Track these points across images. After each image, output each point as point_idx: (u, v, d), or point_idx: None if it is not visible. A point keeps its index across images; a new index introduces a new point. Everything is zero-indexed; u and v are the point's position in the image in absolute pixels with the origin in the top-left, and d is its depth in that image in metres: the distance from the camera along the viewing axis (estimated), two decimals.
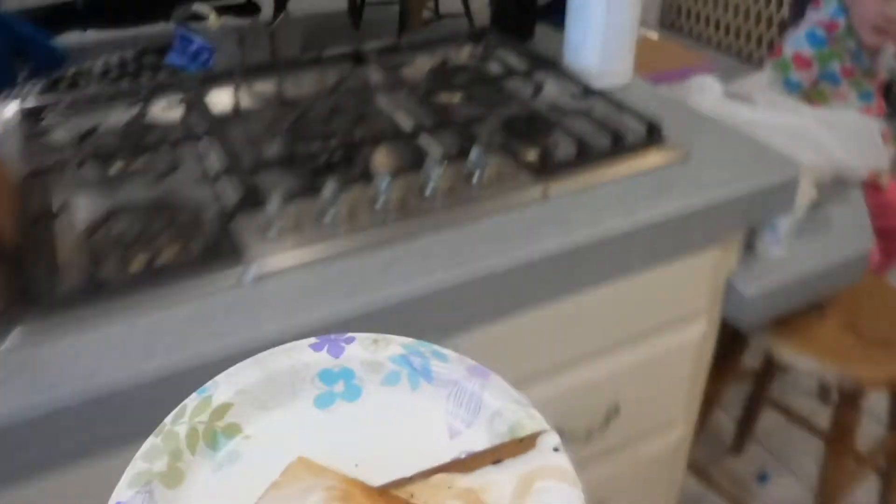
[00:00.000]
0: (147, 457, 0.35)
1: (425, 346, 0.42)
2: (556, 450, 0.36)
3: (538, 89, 1.04)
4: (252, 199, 0.78)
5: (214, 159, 0.87)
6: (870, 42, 1.47)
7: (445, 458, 0.37)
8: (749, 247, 1.00)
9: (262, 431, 0.38)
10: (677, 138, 0.94)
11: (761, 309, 1.03)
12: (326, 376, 0.41)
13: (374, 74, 1.10)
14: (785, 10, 3.05)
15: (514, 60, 1.14)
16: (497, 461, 0.36)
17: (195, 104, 0.99)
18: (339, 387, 0.41)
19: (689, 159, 0.91)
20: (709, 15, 3.39)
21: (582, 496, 0.34)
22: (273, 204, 0.77)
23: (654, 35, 1.64)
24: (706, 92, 1.25)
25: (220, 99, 1.01)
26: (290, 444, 0.37)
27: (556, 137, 0.93)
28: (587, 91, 1.01)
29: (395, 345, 0.42)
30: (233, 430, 0.38)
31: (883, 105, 1.62)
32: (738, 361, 1.42)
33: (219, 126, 0.92)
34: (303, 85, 1.06)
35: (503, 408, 0.39)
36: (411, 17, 3.11)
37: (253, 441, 0.38)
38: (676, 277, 0.91)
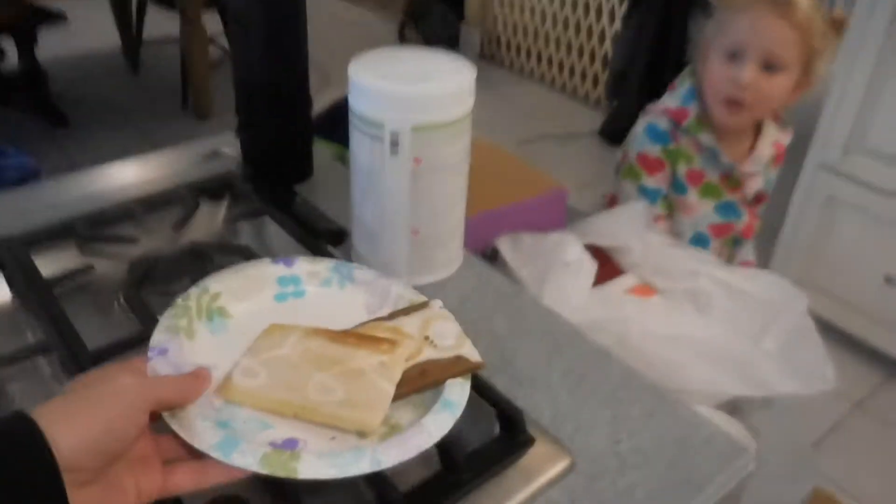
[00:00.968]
0: (172, 317, 0.58)
1: (348, 264, 0.68)
2: (441, 307, 0.63)
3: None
4: None
5: None
6: (725, 122, 1.15)
7: None
8: None
9: (240, 314, 0.61)
10: (551, 420, 0.64)
11: None
12: (282, 280, 0.65)
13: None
14: (607, 46, 3.04)
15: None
16: (406, 314, 0.62)
17: None
18: (291, 288, 0.65)
19: (575, 469, 0.60)
20: (529, 48, 3.42)
21: (459, 327, 0.61)
22: None
23: (484, 140, 0.95)
24: (571, 277, 0.91)
25: None
26: (259, 323, 0.59)
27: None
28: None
29: (328, 261, 0.68)
30: (222, 312, 0.61)
31: (754, 225, 1.29)
32: None
33: None
34: None
35: (404, 293, 0.65)
36: (195, 61, 2.74)
37: (235, 320, 0.61)
38: None
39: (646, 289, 1.02)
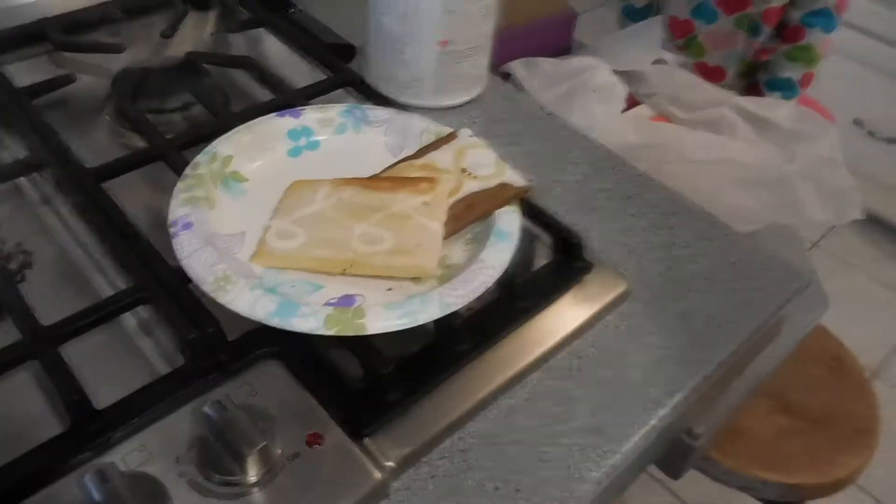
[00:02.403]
0: (187, 188, 0.51)
1: (360, 106, 0.61)
2: (471, 136, 0.58)
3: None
4: None
5: None
6: None
7: None
8: None
9: (256, 175, 0.55)
10: (601, 245, 0.59)
11: None
12: (293, 134, 0.58)
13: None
14: None
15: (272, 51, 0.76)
16: (436, 149, 0.56)
17: None
18: (303, 141, 0.58)
19: (631, 294, 0.56)
20: None
21: (494, 154, 0.57)
22: None
23: None
24: (601, 102, 0.84)
25: None
26: (277, 182, 0.54)
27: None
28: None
29: (337, 106, 0.60)
30: (237, 177, 0.54)
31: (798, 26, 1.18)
32: None
33: None
34: None
35: (428, 126, 0.59)
36: None
37: (252, 182, 0.55)
38: None
39: (663, 119, 0.97)
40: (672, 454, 0.67)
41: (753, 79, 1.26)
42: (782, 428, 0.93)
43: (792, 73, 1.18)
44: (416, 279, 0.49)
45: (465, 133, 0.58)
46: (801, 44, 1.17)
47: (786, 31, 1.21)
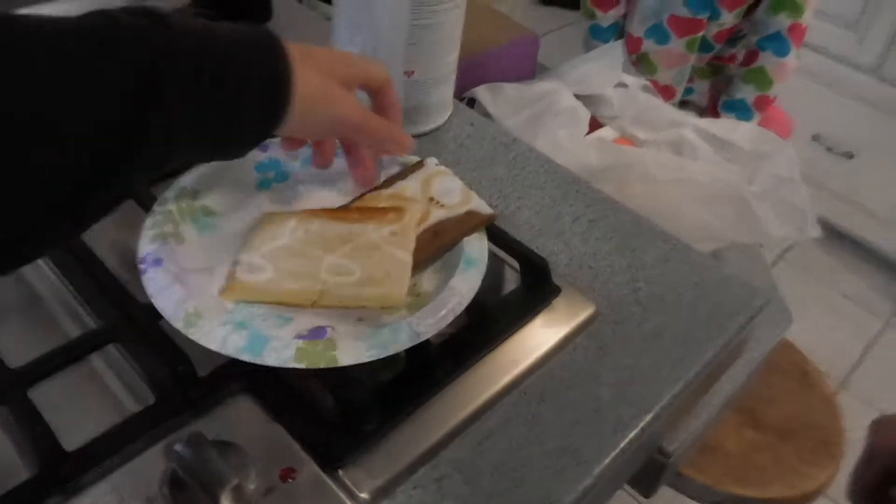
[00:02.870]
0: (155, 225, 0.50)
1: None
2: (437, 164, 0.59)
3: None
4: None
5: None
6: None
7: None
8: None
9: (225, 209, 0.54)
10: (567, 269, 0.60)
11: None
12: (260, 167, 0.58)
13: None
14: None
15: None
16: (403, 178, 0.57)
17: None
18: (271, 173, 0.58)
19: (599, 316, 0.57)
20: None
21: (460, 182, 0.57)
22: None
23: None
24: (565, 126, 0.86)
25: None
26: (247, 216, 0.54)
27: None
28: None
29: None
30: (206, 211, 0.54)
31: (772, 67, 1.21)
32: None
33: None
34: None
35: (395, 156, 0.59)
36: None
37: (221, 216, 0.54)
38: None
39: (626, 141, 0.99)
40: (644, 472, 0.68)
41: (716, 81, 1.32)
42: (752, 442, 0.95)
43: (745, 94, 1.21)
44: (386, 308, 0.49)
45: (431, 161, 0.59)
46: (754, 66, 1.21)
47: (744, 54, 1.25)
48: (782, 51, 1.20)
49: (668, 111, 0.98)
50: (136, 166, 0.38)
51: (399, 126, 0.54)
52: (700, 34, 1.23)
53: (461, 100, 0.99)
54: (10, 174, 0.33)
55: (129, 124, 0.36)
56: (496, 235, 0.57)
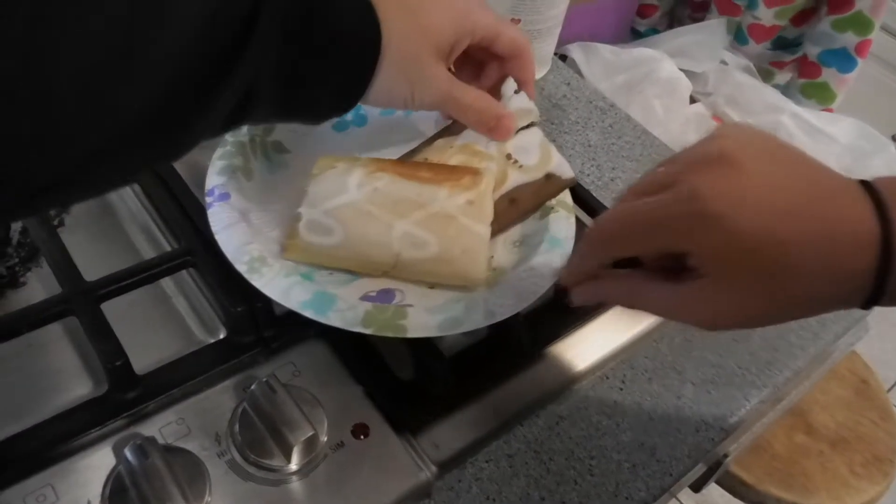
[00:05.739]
0: (225, 156, 0.48)
1: None
2: (516, 92, 0.49)
3: None
4: None
5: None
6: None
7: None
8: None
9: (297, 147, 0.51)
10: None
11: None
12: None
13: None
14: None
15: None
16: None
17: None
18: (349, 115, 0.50)
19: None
20: None
21: (540, 135, 0.49)
22: None
23: None
24: (664, 96, 0.80)
25: None
26: (319, 156, 0.47)
27: None
28: None
29: None
30: (278, 148, 0.51)
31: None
32: None
33: None
34: None
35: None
36: None
37: (293, 155, 0.51)
38: None
39: (718, 120, 0.93)
40: (703, 472, 0.65)
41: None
42: (802, 447, 0.92)
43: (845, 43, 1.13)
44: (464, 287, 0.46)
45: (508, 88, 0.50)
46: (817, 81, 1.13)
47: (801, 64, 1.17)
48: (848, 67, 1.12)
49: (769, 94, 0.92)
50: (216, 105, 0.34)
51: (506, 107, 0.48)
52: (737, 19, 1.14)
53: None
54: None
55: (220, 54, 0.32)
56: (588, 206, 0.54)
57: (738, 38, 1.17)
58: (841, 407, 0.97)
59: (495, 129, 0.47)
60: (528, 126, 0.50)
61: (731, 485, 0.88)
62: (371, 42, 0.39)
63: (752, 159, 0.32)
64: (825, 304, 0.33)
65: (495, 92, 0.49)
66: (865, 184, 0.32)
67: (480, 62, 0.49)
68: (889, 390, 1.66)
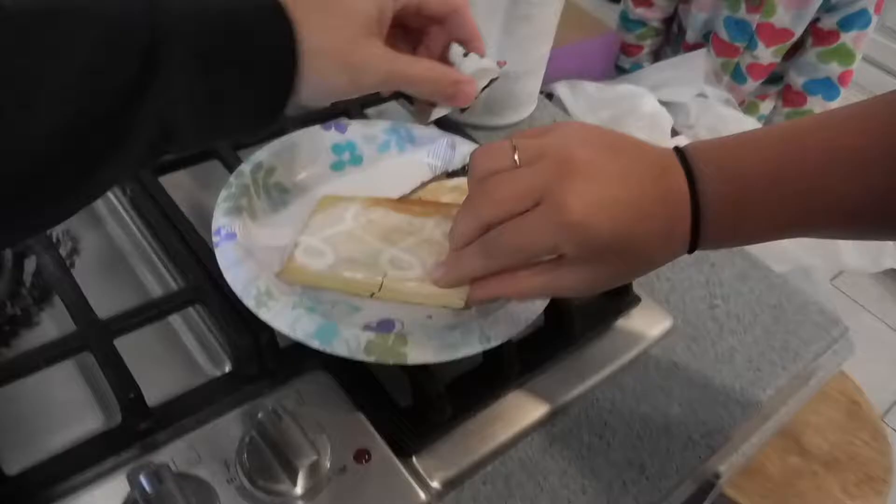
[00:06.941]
0: (230, 198, 0.50)
1: (405, 124, 0.59)
2: (465, 55, 0.48)
3: None
4: None
5: None
6: None
7: None
8: None
9: (297, 187, 0.54)
10: (644, 279, 0.58)
11: None
12: (337, 148, 0.57)
13: None
14: None
15: None
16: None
17: None
18: (346, 156, 0.57)
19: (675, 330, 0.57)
20: None
21: (496, 66, 0.49)
22: None
23: None
24: (647, 130, 0.83)
25: None
26: (318, 196, 0.53)
27: None
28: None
29: (383, 122, 0.59)
30: (279, 187, 0.54)
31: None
32: None
33: None
34: None
35: (471, 149, 0.50)
36: None
37: (293, 193, 0.54)
38: None
39: None
40: (694, 492, 0.67)
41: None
42: (795, 468, 0.94)
43: (829, 73, 1.19)
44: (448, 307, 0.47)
45: None
46: (802, 109, 1.21)
47: (784, 93, 1.23)
48: (831, 95, 1.18)
49: (750, 125, 0.96)
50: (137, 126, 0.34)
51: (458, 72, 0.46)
52: (735, 59, 1.21)
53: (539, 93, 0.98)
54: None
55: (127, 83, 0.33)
56: None
57: (736, 76, 1.22)
58: (833, 428, 0.99)
59: (454, 95, 0.45)
60: (490, 83, 0.49)
61: None
62: (285, 45, 0.38)
63: (600, 162, 0.39)
64: (662, 262, 0.42)
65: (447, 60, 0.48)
66: (679, 152, 0.40)
67: (419, 31, 0.48)
68: (886, 414, 1.68)
